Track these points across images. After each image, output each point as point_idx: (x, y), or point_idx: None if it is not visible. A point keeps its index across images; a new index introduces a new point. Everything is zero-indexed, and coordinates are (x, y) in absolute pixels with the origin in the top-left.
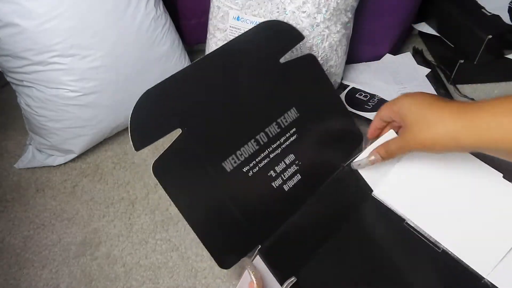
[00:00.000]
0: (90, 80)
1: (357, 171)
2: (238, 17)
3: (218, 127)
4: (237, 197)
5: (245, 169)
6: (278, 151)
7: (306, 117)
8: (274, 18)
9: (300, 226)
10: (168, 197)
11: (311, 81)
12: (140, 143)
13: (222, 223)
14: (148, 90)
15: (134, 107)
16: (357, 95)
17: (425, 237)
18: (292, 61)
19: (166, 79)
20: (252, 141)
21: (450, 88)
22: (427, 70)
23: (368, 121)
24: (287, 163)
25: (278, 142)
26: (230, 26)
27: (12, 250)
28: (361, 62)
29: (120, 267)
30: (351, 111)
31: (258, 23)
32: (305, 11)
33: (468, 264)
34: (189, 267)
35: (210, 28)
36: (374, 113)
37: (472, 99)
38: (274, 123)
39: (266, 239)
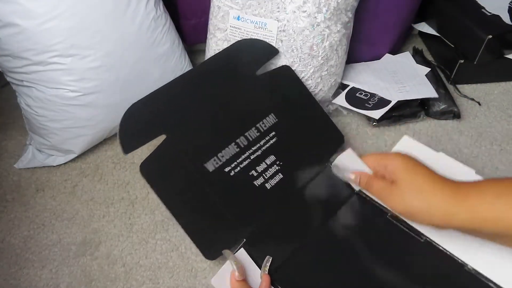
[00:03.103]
0: (90, 80)
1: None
2: (239, 16)
3: (200, 132)
4: (221, 194)
5: (226, 169)
6: (259, 152)
7: (284, 121)
8: (274, 18)
9: (284, 222)
10: None
11: (287, 89)
12: (128, 148)
13: (207, 217)
14: (134, 103)
15: (122, 118)
16: (357, 94)
17: (408, 228)
18: (268, 73)
19: (152, 92)
20: (233, 144)
21: (450, 88)
22: (427, 70)
23: (369, 119)
24: (268, 164)
25: (258, 145)
26: (230, 26)
27: (12, 250)
28: (361, 62)
29: (120, 267)
30: (352, 109)
31: (258, 22)
32: (306, 11)
33: (450, 252)
34: (189, 267)
35: (211, 27)
36: (374, 111)
37: (472, 99)
38: (254, 128)
39: (250, 233)
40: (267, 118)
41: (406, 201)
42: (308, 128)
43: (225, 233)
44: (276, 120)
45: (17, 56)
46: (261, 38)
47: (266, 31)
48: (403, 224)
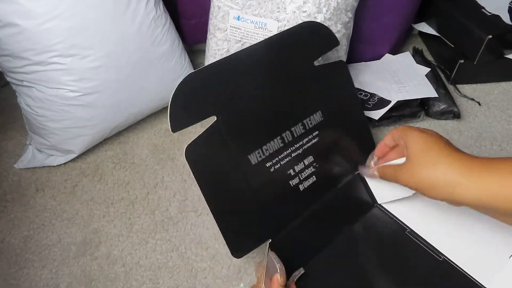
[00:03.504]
0: (90, 80)
1: (365, 180)
2: (239, 16)
3: (249, 120)
4: (257, 191)
5: (268, 164)
6: (300, 151)
7: (329, 121)
8: (274, 18)
9: (309, 226)
10: (168, 197)
11: (338, 87)
12: (176, 125)
13: (240, 212)
14: (190, 74)
15: (175, 89)
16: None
17: (427, 246)
18: (324, 66)
19: (207, 65)
20: (278, 138)
21: (450, 88)
22: (427, 70)
23: (369, 119)
24: (306, 164)
25: (301, 143)
26: (230, 26)
27: (12, 250)
28: (361, 62)
29: (120, 267)
30: None
31: (258, 22)
32: (306, 11)
33: (468, 272)
34: (189, 267)
35: (211, 27)
36: (374, 111)
37: (472, 99)
38: (300, 124)
39: (276, 234)
40: (314, 115)
41: (419, 174)
42: (348, 133)
43: (255, 231)
44: (322, 119)
45: (17, 56)
46: (261, 39)
47: (266, 31)
48: (421, 241)
